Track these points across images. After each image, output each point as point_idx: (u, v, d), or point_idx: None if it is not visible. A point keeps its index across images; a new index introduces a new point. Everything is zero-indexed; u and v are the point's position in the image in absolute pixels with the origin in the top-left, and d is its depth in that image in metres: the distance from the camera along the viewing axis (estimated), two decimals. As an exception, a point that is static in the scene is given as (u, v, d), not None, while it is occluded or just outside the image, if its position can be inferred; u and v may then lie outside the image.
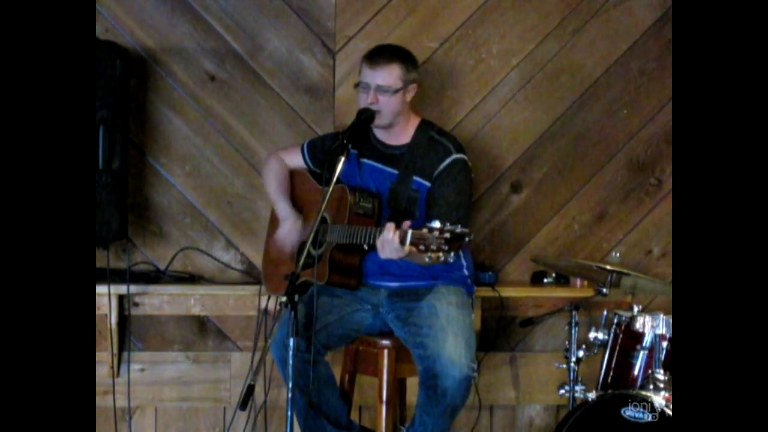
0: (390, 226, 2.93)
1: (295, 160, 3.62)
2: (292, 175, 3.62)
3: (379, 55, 3.34)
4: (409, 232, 2.84)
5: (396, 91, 3.29)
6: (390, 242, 2.90)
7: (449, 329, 3.18)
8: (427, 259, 2.81)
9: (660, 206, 4.12)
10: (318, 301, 3.20)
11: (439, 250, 2.75)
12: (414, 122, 3.42)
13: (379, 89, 3.28)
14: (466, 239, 2.76)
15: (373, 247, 3.07)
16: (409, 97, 3.35)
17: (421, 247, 2.78)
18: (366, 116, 3.29)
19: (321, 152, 3.53)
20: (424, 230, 2.78)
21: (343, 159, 3.13)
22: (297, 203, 3.56)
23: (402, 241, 2.86)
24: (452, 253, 2.76)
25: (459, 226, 2.77)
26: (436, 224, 2.76)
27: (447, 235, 2.74)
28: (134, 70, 3.83)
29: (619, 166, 4.11)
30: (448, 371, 3.08)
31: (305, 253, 3.09)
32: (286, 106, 3.98)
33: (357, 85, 3.35)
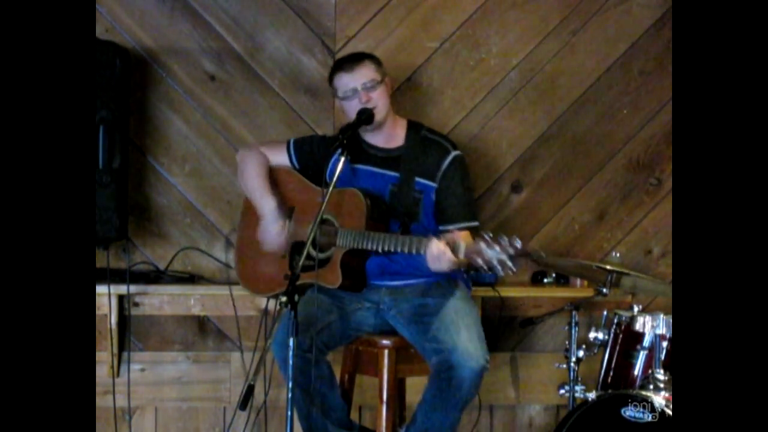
0: (435, 241, 2.96)
1: (279, 157, 3.54)
2: (278, 171, 3.54)
3: (349, 60, 3.40)
4: (462, 245, 2.84)
5: (380, 83, 3.33)
6: (443, 254, 2.93)
7: (460, 321, 3.19)
8: (486, 268, 2.81)
9: (660, 206, 4.12)
10: (318, 301, 3.21)
11: (502, 265, 2.75)
12: (402, 124, 3.44)
13: (365, 87, 3.31)
14: (534, 256, 2.76)
15: (386, 252, 3.12)
16: (389, 90, 3.40)
17: (479, 261, 2.79)
18: (366, 116, 3.29)
19: (309, 152, 3.51)
20: (482, 244, 2.77)
21: (343, 159, 3.13)
22: (283, 202, 3.49)
23: (453, 252, 2.88)
24: (514, 269, 2.76)
25: (517, 239, 2.76)
26: (489, 235, 2.76)
27: (510, 250, 2.73)
28: (134, 70, 3.83)
29: (619, 166, 4.11)
30: (465, 362, 3.08)
31: (304, 254, 3.06)
32: (286, 106, 3.98)
33: (342, 99, 3.36)
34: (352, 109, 3.32)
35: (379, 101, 3.32)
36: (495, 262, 2.75)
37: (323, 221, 3.28)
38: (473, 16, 4.02)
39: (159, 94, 3.94)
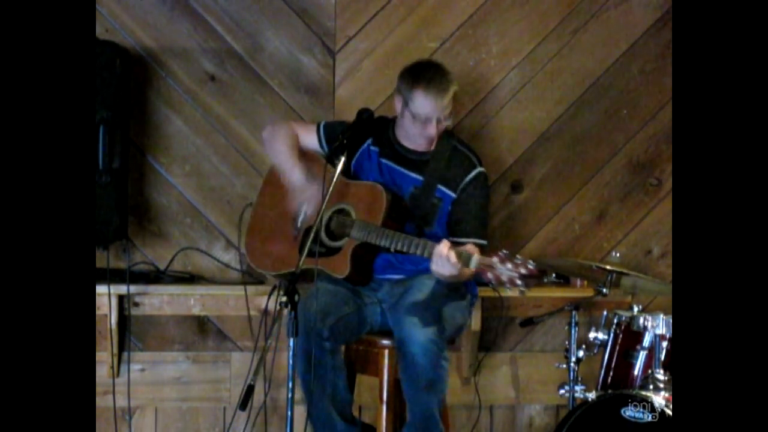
0: (445, 243, 2.97)
1: (309, 138, 3.51)
2: (303, 155, 3.49)
3: (437, 83, 3.24)
4: (475, 257, 2.84)
5: (450, 114, 3.30)
6: (444, 259, 2.94)
7: (422, 301, 3.19)
8: (494, 283, 2.84)
9: (660, 206, 4.12)
10: (330, 292, 3.21)
11: (511, 282, 2.75)
12: None
13: (439, 120, 3.26)
14: (545, 280, 2.76)
15: (397, 251, 3.15)
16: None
17: (489, 275, 2.80)
18: (367, 116, 3.28)
19: (337, 135, 3.42)
20: (494, 258, 2.77)
21: (343, 159, 3.13)
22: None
23: (466, 264, 2.88)
24: (524, 289, 2.76)
25: (531, 262, 2.76)
26: (505, 252, 2.76)
27: (522, 270, 2.73)
28: (134, 70, 3.83)
29: (619, 166, 4.11)
30: (412, 336, 3.10)
31: (310, 240, 3.04)
32: (286, 106, 3.98)
33: (407, 112, 3.27)
34: (410, 129, 3.29)
35: (440, 132, 3.30)
36: (505, 278, 2.75)
37: (340, 211, 3.29)
38: (473, 16, 4.02)
39: (159, 94, 3.94)
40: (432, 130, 3.26)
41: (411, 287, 3.30)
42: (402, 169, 3.39)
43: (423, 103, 3.24)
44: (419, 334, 3.10)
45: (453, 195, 3.34)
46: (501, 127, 4.06)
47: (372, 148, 3.41)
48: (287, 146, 3.43)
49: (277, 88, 3.98)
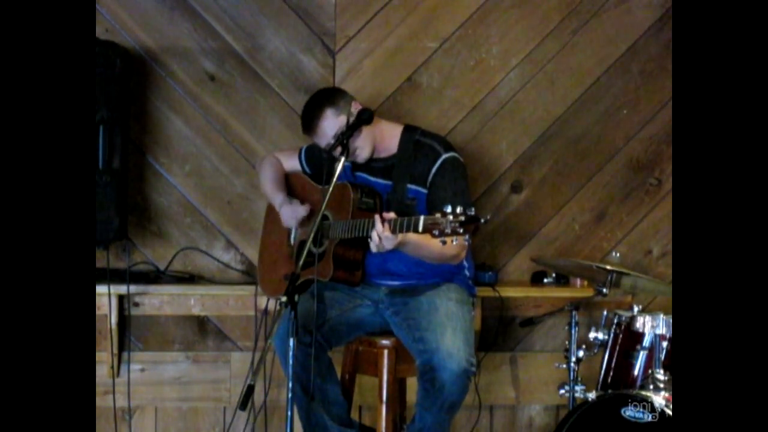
0: (377, 219, 2.97)
1: (292, 163, 3.64)
2: (290, 176, 3.63)
3: (305, 120, 3.35)
4: (422, 218, 2.84)
5: (343, 132, 3.24)
6: (381, 234, 2.94)
7: (448, 324, 3.18)
8: (441, 244, 2.79)
9: (660, 206, 4.12)
10: (319, 297, 3.21)
11: (453, 233, 2.74)
12: (396, 131, 3.42)
13: (327, 144, 3.29)
14: (481, 221, 2.75)
15: (363, 237, 3.12)
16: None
17: (435, 232, 2.77)
18: (366, 116, 3.28)
19: (318, 157, 3.54)
20: (437, 215, 2.77)
21: (343, 159, 3.14)
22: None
23: (415, 229, 2.86)
24: (467, 236, 2.75)
25: (472, 208, 2.76)
26: (448, 209, 2.76)
27: (462, 218, 2.73)
28: (134, 70, 3.84)
29: (619, 166, 4.11)
30: (445, 364, 3.08)
31: (306, 251, 3.08)
32: (286, 106, 3.98)
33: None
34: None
35: (353, 144, 3.28)
36: (449, 230, 2.74)
37: (324, 218, 3.31)
38: (473, 16, 4.02)
39: (159, 94, 3.94)
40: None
41: (421, 306, 3.27)
42: (374, 179, 3.39)
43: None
44: (453, 363, 3.07)
45: (425, 190, 3.32)
46: (501, 127, 4.06)
47: (346, 164, 3.39)
48: (269, 177, 3.60)
49: (277, 88, 3.98)
